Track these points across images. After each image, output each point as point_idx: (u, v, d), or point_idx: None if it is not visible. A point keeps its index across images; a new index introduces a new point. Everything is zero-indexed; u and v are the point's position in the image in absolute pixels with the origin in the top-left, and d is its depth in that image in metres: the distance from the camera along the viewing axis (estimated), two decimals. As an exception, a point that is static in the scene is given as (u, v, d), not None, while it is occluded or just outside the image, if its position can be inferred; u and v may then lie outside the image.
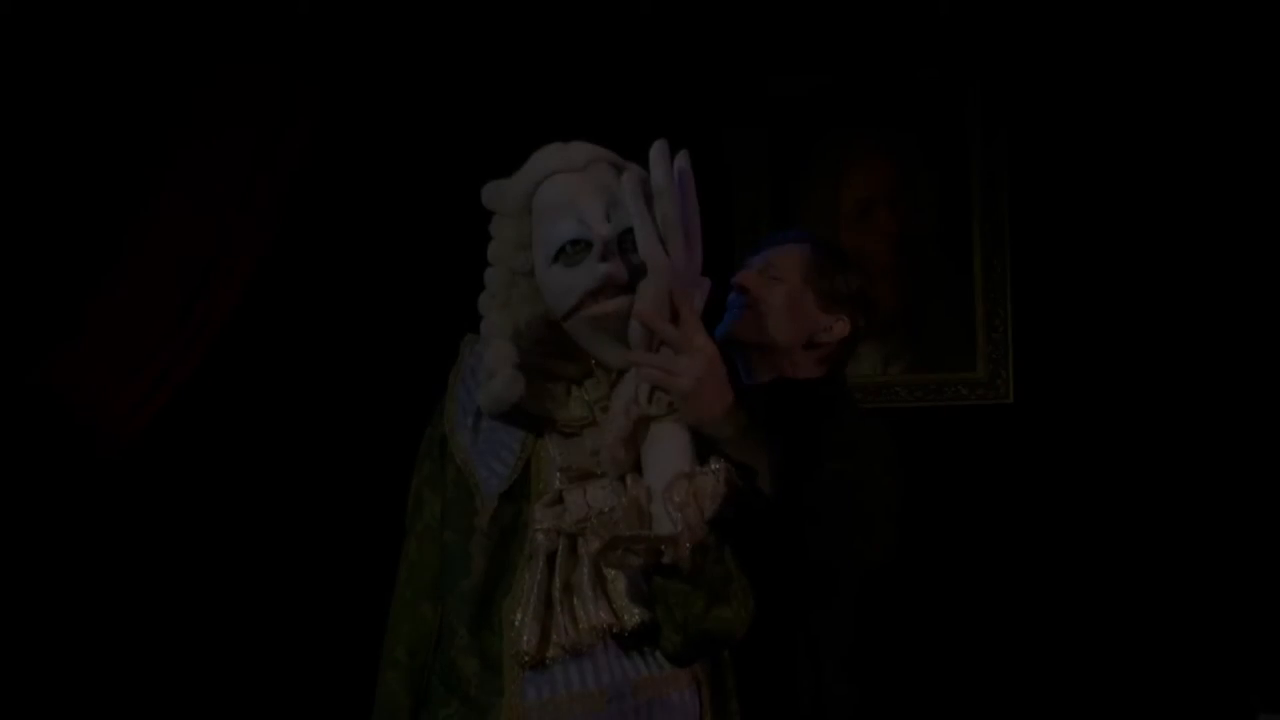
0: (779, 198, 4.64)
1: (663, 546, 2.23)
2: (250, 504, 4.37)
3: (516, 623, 2.30)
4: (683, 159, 2.32)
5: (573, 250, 2.32)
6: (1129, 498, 4.36)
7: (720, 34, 4.43)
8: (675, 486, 2.24)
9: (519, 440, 2.40)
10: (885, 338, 4.60)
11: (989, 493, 4.42)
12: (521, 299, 2.40)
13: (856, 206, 4.63)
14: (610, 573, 2.31)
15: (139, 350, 3.97)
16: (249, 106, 4.08)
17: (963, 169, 4.59)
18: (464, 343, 2.50)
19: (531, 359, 2.39)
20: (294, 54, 4.14)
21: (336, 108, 4.28)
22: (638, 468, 2.33)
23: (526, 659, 2.29)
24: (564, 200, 2.35)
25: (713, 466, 2.26)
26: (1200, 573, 4.29)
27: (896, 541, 2.67)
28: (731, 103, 4.60)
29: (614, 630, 2.29)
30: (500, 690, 2.31)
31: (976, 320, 4.58)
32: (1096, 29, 4.42)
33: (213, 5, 4.04)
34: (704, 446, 2.34)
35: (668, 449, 2.30)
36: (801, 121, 4.62)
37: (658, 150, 2.30)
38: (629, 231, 2.31)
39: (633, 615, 2.29)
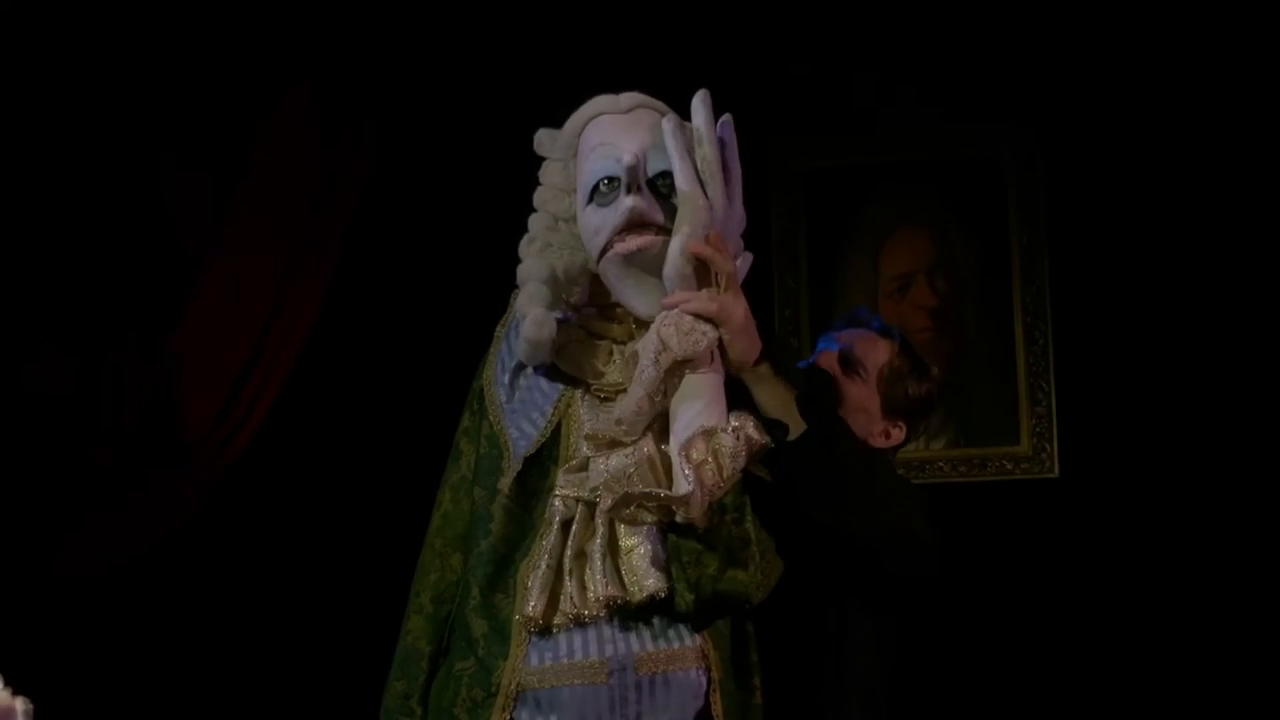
0: (817, 270, 4.64)
1: (675, 506, 2.18)
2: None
3: (528, 586, 2.29)
4: (726, 120, 2.30)
5: (606, 188, 2.31)
6: (1177, 573, 4.29)
7: (761, 109, 4.43)
8: (694, 444, 2.18)
9: (552, 403, 2.38)
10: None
11: (1035, 569, 4.35)
12: (561, 244, 2.39)
13: (896, 280, 4.62)
14: (625, 544, 2.27)
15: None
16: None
17: (1002, 241, 4.58)
18: (513, 295, 2.47)
19: (574, 318, 2.38)
20: (355, 79, 4.20)
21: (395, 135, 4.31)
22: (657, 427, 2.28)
23: (531, 624, 2.26)
24: (603, 140, 2.34)
25: (734, 424, 2.20)
26: (1248, 649, 4.21)
27: (925, 531, 2.61)
28: (771, 175, 4.60)
29: (620, 602, 2.24)
30: (506, 654, 2.29)
31: (1019, 394, 4.55)
32: (1134, 99, 4.41)
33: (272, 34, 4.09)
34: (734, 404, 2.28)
35: (697, 404, 2.23)
36: (840, 194, 4.62)
37: (700, 98, 2.28)
38: (664, 175, 2.29)
39: (641, 589, 2.24)
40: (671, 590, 2.24)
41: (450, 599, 2.42)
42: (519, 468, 2.34)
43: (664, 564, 2.24)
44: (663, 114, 2.34)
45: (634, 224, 2.28)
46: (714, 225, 2.25)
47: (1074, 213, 4.51)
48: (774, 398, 2.37)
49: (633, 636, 2.27)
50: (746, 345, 2.30)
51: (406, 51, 4.30)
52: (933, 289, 4.60)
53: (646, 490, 2.19)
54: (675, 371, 2.23)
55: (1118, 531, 4.35)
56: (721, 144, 2.28)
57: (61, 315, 3.88)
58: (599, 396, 2.36)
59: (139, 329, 3.95)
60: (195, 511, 4.03)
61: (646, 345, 2.24)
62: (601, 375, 2.37)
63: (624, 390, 2.32)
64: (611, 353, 2.38)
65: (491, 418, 2.41)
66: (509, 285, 2.45)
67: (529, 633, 2.29)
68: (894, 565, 2.57)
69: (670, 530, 2.23)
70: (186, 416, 3.98)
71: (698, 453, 2.17)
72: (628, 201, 2.27)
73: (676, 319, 2.22)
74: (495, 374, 2.44)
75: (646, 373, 2.22)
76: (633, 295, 2.32)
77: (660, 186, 2.30)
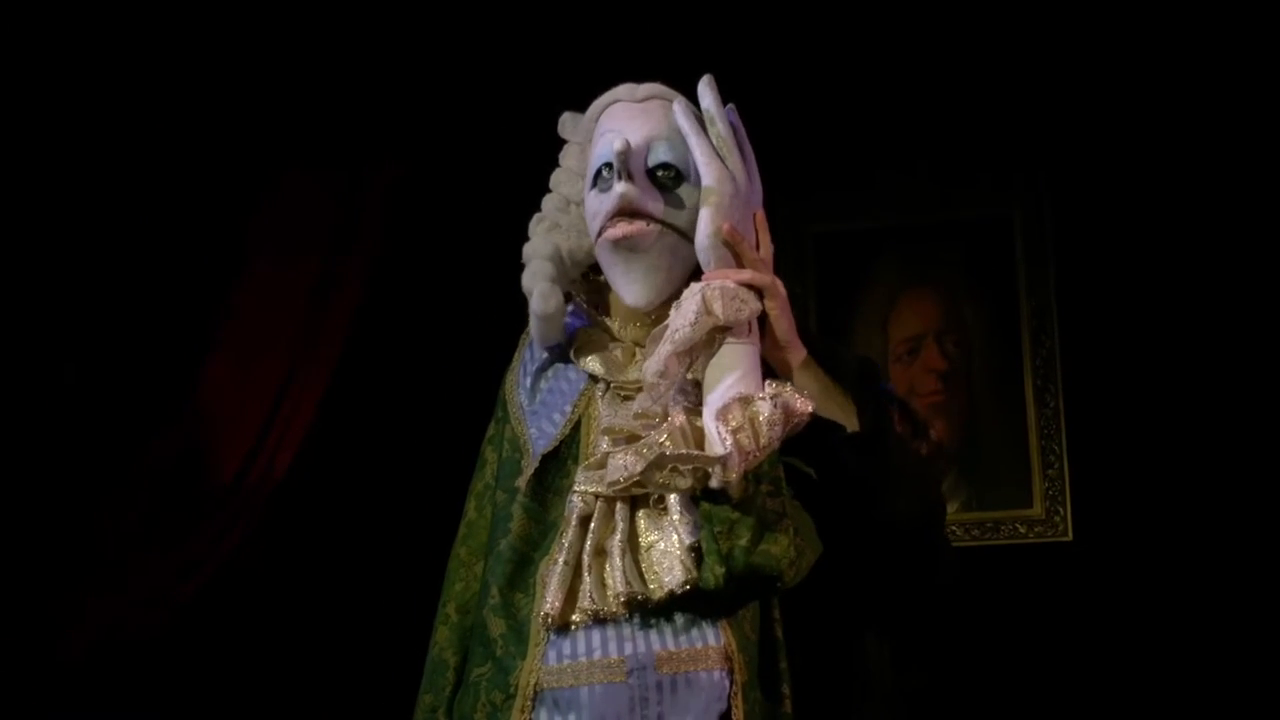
0: (826, 333, 4.61)
1: (711, 469, 2.11)
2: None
3: (546, 583, 2.24)
4: (731, 107, 2.29)
5: (606, 174, 2.30)
6: (1193, 638, 4.24)
7: (768, 177, 4.44)
8: (730, 409, 2.11)
9: (572, 401, 2.35)
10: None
11: (1049, 634, 4.31)
12: (570, 226, 2.40)
13: (905, 343, 4.61)
14: (645, 540, 2.22)
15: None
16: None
17: (1011, 303, 4.57)
18: None
19: (594, 320, 2.37)
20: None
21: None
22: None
23: (550, 620, 2.20)
24: (612, 126, 2.33)
25: (771, 391, 2.13)
26: (1264, 714, 4.15)
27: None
28: (780, 237, 4.58)
29: (640, 599, 2.18)
30: (524, 653, 2.24)
31: (1031, 457, 4.52)
32: (1143, 161, 4.42)
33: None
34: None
35: (733, 373, 2.17)
36: (849, 256, 4.62)
37: (706, 81, 2.27)
38: (667, 166, 2.28)
39: (662, 586, 2.18)
40: (693, 588, 2.18)
41: (476, 609, 2.37)
42: (536, 464, 2.31)
43: (685, 560, 2.19)
44: (675, 110, 2.32)
45: (623, 211, 2.27)
46: (738, 196, 2.23)
47: (1083, 275, 4.51)
48: (817, 385, 2.29)
49: (653, 635, 2.20)
50: (789, 323, 2.26)
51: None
52: (942, 352, 4.59)
53: (682, 452, 2.12)
54: (712, 339, 2.19)
55: (1133, 595, 4.30)
56: (731, 126, 2.28)
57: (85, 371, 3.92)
58: (620, 395, 2.33)
59: (160, 389, 3.98)
60: (223, 563, 4.03)
61: (684, 307, 2.19)
62: (623, 372, 2.34)
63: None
64: (635, 354, 2.36)
65: (513, 420, 2.40)
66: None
67: (547, 630, 2.23)
68: (927, 567, 2.50)
69: (703, 498, 2.17)
70: (209, 473, 3.99)
71: (735, 418, 2.11)
72: (619, 188, 2.26)
73: (722, 285, 2.18)
74: (518, 379, 2.43)
75: (681, 332, 2.16)
76: (621, 283, 2.31)
77: (661, 178, 2.29)
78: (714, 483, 2.13)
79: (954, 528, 4.51)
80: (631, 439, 2.23)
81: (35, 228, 3.97)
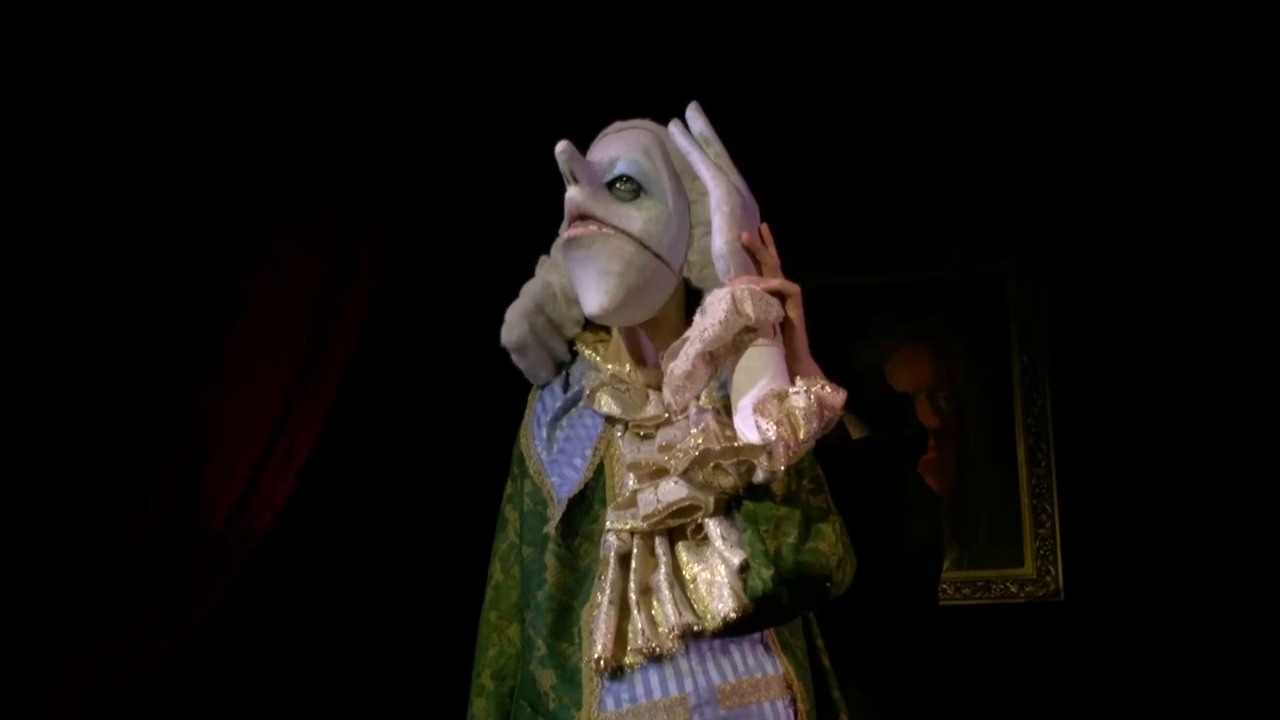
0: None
1: (757, 460, 2.08)
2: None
3: (593, 629, 2.18)
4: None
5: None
6: (1183, 698, 4.23)
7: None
8: (767, 404, 2.09)
9: (592, 445, 2.32)
10: (930, 533, 4.54)
11: (1041, 694, 4.29)
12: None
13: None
14: (689, 573, 2.18)
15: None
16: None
17: (1004, 362, 4.58)
18: None
19: (607, 367, 2.36)
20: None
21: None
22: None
23: (603, 665, 2.15)
24: (592, 152, 2.36)
25: (803, 385, 2.11)
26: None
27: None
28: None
29: (696, 630, 2.14)
30: (579, 702, 2.18)
31: (1023, 515, 4.52)
32: (1135, 221, 4.44)
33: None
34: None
35: (764, 374, 2.15)
36: (843, 312, 4.63)
37: (694, 107, 2.31)
38: (626, 179, 2.29)
39: (715, 615, 2.13)
40: (744, 614, 2.13)
41: (513, 674, 2.33)
42: (564, 509, 2.28)
43: (734, 585, 2.14)
44: (652, 136, 2.36)
45: (574, 216, 2.28)
46: (747, 209, 2.25)
47: (1076, 335, 4.52)
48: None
49: (711, 668, 2.17)
50: (804, 334, 2.26)
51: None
52: (935, 408, 4.59)
53: (726, 445, 2.09)
54: (740, 341, 2.17)
55: (1124, 656, 4.30)
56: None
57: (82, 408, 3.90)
58: (639, 434, 2.31)
59: (156, 427, 3.97)
60: (214, 607, 4.01)
61: (711, 309, 2.17)
62: (640, 411, 2.32)
63: (664, 422, 2.28)
64: (648, 396, 2.34)
65: (533, 472, 2.36)
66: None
67: (601, 676, 2.18)
68: (930, 600, 2.50)
69: (747, 497, 2.14)
70: (204, 513, 3.98)
71: (772, 411, 2.09)
72: (568, 193, 2.28)
73: (750, 288, 2.17)
74: (532, 431, 2.41)
75: (711, 330, 2.14)
76: (580, 292, 2.31)
77: (619, 190, 2.30)
78: (759, 476, 2.10)
79: (945, 586, 4.49)
80: (659, 473, 2.21)
81: (30, 263, 3.96)
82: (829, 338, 4.51)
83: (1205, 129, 4.33)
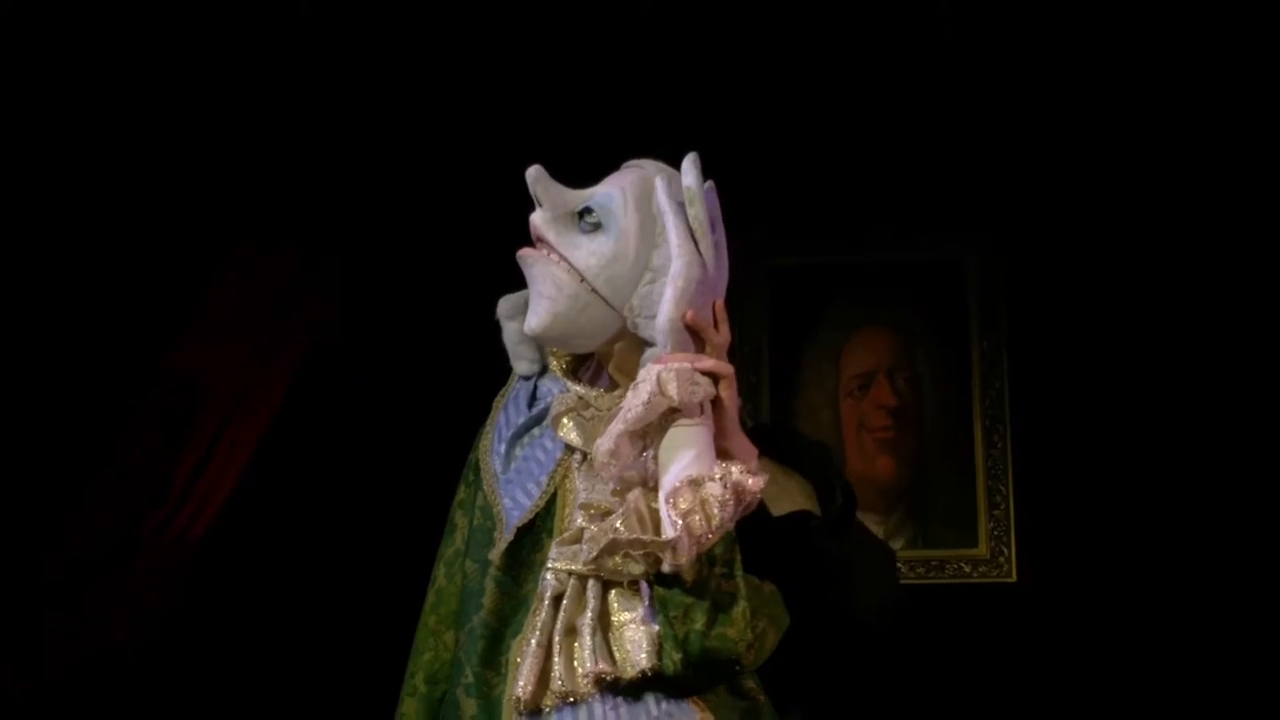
0: (779, 366, 4.64)
1: (661, 552, 2.10)
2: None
3: (518, 664, 2.20)
4: (710, 186, 2.30)
5: None
6: (1132, 682, 4.28)
7: (730, 207, 4.46)
8: (680, 493, 2.11)
9: (548, 472, 2.32)
10: (886, 513, 4.56)
11: (990, 674, 4.33)
12: None
13: (857, 378, 4.63)
14: (617, 619, 2.19)
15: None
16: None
17: (963, 344, 4.60)
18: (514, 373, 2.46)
19: (572, 390, 2.34)
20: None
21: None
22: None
23: (521, 705, 2.17)
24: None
25: (720, 472, 2.13)
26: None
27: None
28: (737, 269, 4.60)
29: (610, 679, 2.15)
30: None
31: (978, 497, 4.55)
32: (1096, 207, 4.47)
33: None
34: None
35: (687, 454, 2.16)
36: (805, 291, 4.64)
37: (691, 160, 2.27)
38: (588, 212, 2.28)
39: (633, 665, 2.15)
40: (661, 661, 2.17)
41: (445, 679, 2.33)
42: (511, 538, 2.28)
43: (658, 639, 2.17)
44: (647, 174, 2.34)
45: (534, 237, 2.29)
46: (705, 282, 2.24)
47: (1035, 319, 4.54)
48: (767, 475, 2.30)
49: (625, 714, 2.18)
50: (735, 410, 2.25)
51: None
52: (893, 389, 4.61)
53: (632, 537, 2.12)
54: (665, 420, 2.18)
55: (1075, 638, 4.33)
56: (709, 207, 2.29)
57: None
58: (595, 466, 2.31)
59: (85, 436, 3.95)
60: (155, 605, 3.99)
61: (639, 388, 2.18)
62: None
63: None
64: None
65: (485, 488, 2.35)
66: (495, 365, 2.46)
67: (519, 714, 2.19)
68: (888, 655, 2.51)
69: (657, 583, 2.16)
70: (143, 511, 3.96)
71: (685, 501, 2.11)
72: (531, 214, 2.29)
73: (679, 368, 2.18)
74: (492, 444, 2.39)
75: (634, 411, 2.16)
76: (528, 309, 2.32)
77: (584, 222, 2.29)
78: (665, 567, 2.12)
79: (899, 565, 4.52)
80: (608, 514, 2.21)
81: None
82: (790, 317, 4.62)
83: (1164, 114, 4.36)
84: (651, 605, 2.19)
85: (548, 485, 2.31)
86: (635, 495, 2.18)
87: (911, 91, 4.44)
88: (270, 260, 4.14)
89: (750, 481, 2.14)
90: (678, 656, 2.15)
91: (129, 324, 4.03)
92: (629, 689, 2.18)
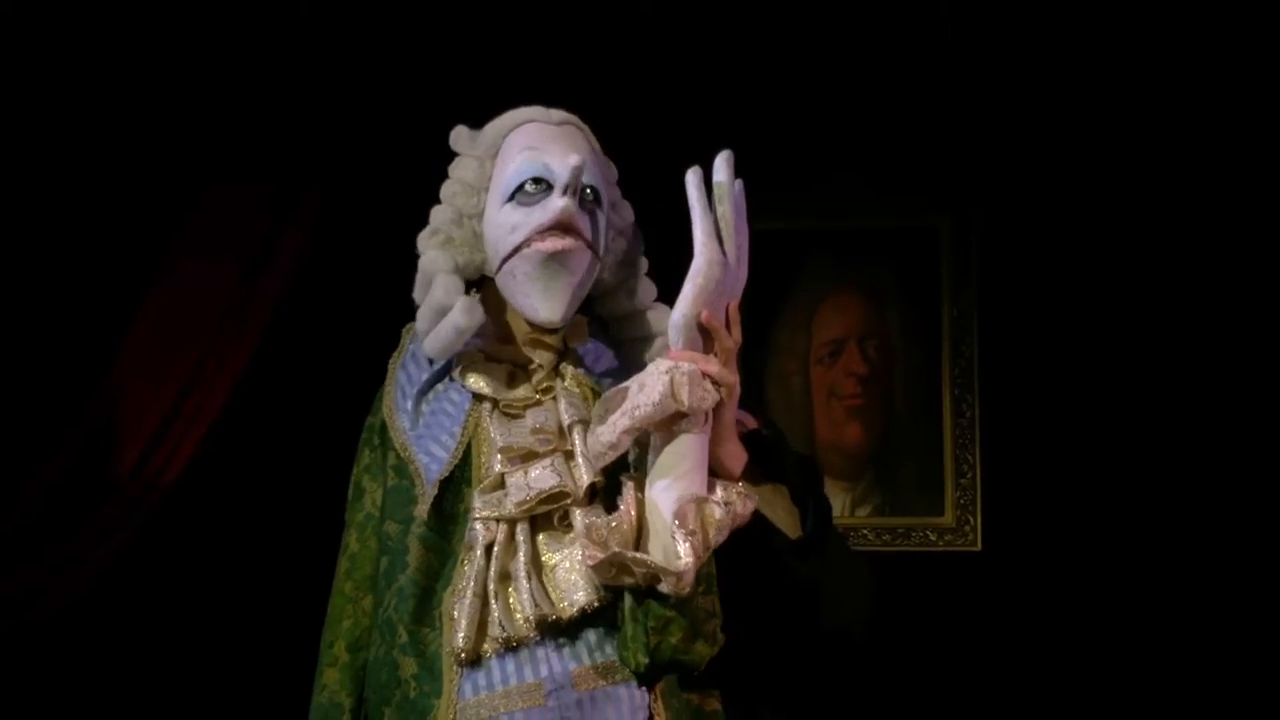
0: (751, 332, 4.60)
1: (664, 576, 2.13)
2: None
3: (454, 617, 2.22)
4: (739, 186, 2.30)
5: (533, 189, 2.29)
6: (1097, 649, 4.31)
7: (706, 167, 4.44)
8: (687, 512, 2.15)
9: (460, 423, 2.32)
10: (854, 480, 4.57)
11: (954, 643, 4.35)
12: (463, 241, 2.35)
13: (827, 345, 4.62)
14: (549, 560, 2.23)
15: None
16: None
17: (934, 313, 4.60)
18: (405, 330, 2.45)
19: (472, 341, 2.34)
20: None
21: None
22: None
23: (462, 655, 2.20)
24: (533, 143, 2.33)
25: (723, 496, 2.19)
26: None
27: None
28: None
29: (551, 620, 2.19)
30: (439, 691, 2.22)
31: (945, 466, 4.55)
32: (1070, 181, 4.46)
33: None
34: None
35: (684, 464, 2.19)
36: (778, 256, 4.62)
37: (724, 157, 2.27)
38: (591, 189, 2.31)
39: (571, 604, 2.20)
40: (601, 604, 2.21)
41: (366, 645, 2.33)
42: (435, 493, 2.28)
43: (590, 576, 2.20)
44: (588, 137, 2.38)
45: (561, 225, 2.27)
46: (726, 282, 2.24)
47: (1006, 289, 4.54)
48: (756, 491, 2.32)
49: (567, 654, 2.21)
50: (733, 420, 2.28)
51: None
52: (864, 356, 4.61)
53: (638, 556, 2.14)
54: (670, 423, 2.19)
55: (1038, 607, 4.36)
56: (737, 205, 2.29)
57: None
58: (507, 413, 2.32)
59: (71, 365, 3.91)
60: (123, 548, 3.96)
61: (649, 386, 2.19)
62: (509, 390, 2.33)
63: (533, 404, 2.31)
64: (513, 374, 2.35)
65: (398, 446, 2.35)
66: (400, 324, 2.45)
67: (460, 665, 2.21)
68: (871, 669, 2.52)
69: (645, 593, 2.18)
70: (116, 454, 3.93)
71: (691, 521, 2.14)
72: (560, 202, 2.26)
73: (690, 370, 2.18)
74: (395, 403, 2.38)
75: (643, 410, 2.17)
76: (539, 298, 2.30)
77: (587, 200, 2.31)
78: (664, 589, 2.15)
79: (865, 531, 4.54)
80: (529, 456, 2.24)
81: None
82: (764, 282, 4.59)
83: (1139, 86, 4.35)
84: (618, 595, 2.21)
85: (461, 436, 2.31)
86: (629, 498, 2.20)
87: (887, 58, 4.42)
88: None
89: (743, 507, 2.19)
90: (644, 660, 2.19)
91: (105, 262, 4.02)
92: (569, 628, 2.21)
